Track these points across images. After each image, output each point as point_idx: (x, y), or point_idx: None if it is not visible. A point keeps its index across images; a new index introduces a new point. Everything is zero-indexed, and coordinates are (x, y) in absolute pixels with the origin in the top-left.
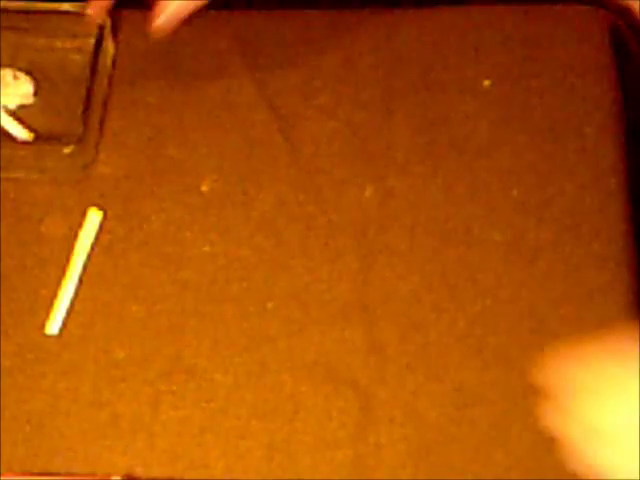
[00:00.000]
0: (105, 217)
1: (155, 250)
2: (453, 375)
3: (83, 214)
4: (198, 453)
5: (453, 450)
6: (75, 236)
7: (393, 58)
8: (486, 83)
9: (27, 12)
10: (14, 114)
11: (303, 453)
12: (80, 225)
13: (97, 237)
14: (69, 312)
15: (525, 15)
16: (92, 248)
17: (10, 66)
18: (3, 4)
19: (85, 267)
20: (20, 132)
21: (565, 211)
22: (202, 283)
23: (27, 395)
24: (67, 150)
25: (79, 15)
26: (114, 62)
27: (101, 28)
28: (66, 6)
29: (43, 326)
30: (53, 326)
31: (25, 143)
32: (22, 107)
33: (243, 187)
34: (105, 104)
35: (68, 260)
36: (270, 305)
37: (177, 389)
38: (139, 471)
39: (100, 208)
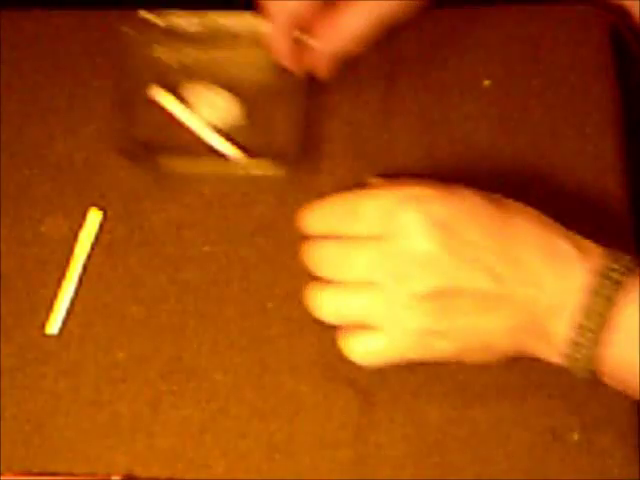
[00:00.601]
0: (105, 217)
1: (155, 250)
2: (453, 375)
3: (83, 214)
4: (198, 453)
5: (453, 450)
6: (75, 236)
7: (393, 58)
8: (486, 83)
9: (220, 27)
10: (223, 133)
11: (303, 453)
12: (80, 225)
13: (97, 237)
14: (69, 312)
15: (525, 15)
16: (92, 248)
17: (213, 83)
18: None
19: (85, 267)
20: (230, 151)
21: (565, 211)
22: (202, 283)
23: (27, 395)
24: (280, 170)
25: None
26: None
27: None
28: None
29: (43, 326)
30: (53, 326)
31: (236, 162)
32: (229, 125)
33: (243, 187)
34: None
35: (68, 260)
36: (270, 305)
37: (177, 389)
38: (139, 471)
39: (100, 208)
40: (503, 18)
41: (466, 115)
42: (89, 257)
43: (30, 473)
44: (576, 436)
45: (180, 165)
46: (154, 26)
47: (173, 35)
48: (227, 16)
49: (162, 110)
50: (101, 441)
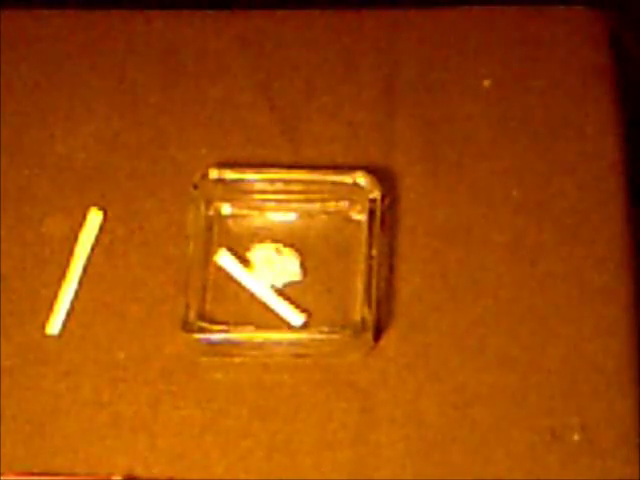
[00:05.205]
0: (105, 217)
1: (155, 250)
2: (453, 375)
3: (83, 214)
4: (198, 453)
5: (453, 450)
6: (75, 236)
7: (393, 58)
8: (486, 83)
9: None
10: (283, 294)
11: (303, 453)
12: (80, 225)
13: (97, 237)
14: (69, 312)
15: (525, 15)
16: (92, 248)
17: (272, 241)
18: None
19: (85, 267)
20: (291, 315)
21: (565, 211)
22: None
23: (27, 395)
24: (344, 336)
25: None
26: None
27: (371, 201)
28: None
29: (43, 326)
30: (53, 326)
31: (298, 328)
32: (290, 285)
33: None
34: (389, 280)
35: (68, 260)
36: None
37: (177, 389)
38: (140, 471)
39: (100, 208)
40: (503, 18)
41: (466, 115)
42: (89, 257)
43: (30, 473)
44: (576, 436)
45: (238, 336)
46: (222, 185)
47: (241, 194)
48: (295, 172)
49: (226, 275)
50: (102, 441)
